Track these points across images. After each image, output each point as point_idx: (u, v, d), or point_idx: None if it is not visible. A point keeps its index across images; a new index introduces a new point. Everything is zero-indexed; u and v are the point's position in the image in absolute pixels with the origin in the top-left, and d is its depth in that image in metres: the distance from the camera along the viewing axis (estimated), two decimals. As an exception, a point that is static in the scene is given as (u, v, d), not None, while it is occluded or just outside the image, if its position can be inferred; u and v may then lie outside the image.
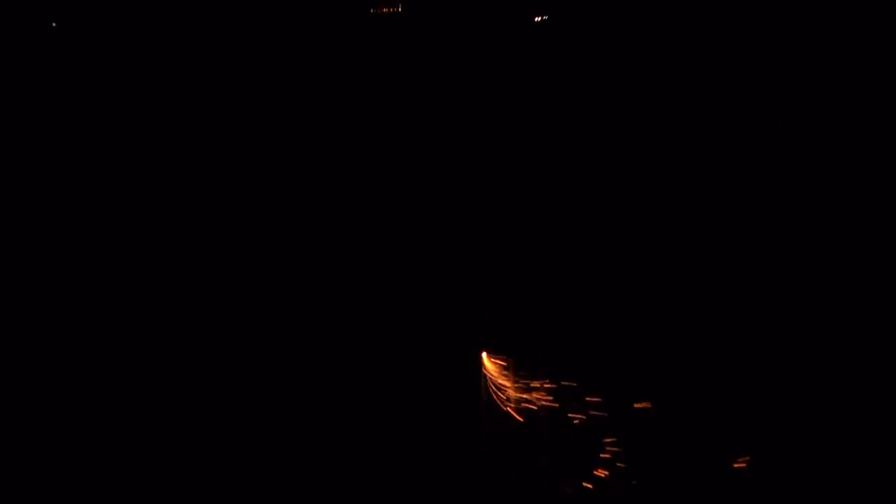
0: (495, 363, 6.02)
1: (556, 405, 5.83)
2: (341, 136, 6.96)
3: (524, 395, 5.87)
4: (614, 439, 5.70)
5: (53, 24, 7.29)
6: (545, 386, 5.88)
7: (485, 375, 6.02)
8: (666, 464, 5.68)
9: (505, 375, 5.99)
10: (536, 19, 6.54)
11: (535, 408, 5.85)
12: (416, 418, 6.01)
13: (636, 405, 5.73)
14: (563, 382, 5.85)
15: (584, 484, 5.64)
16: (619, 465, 5.66)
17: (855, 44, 6.20)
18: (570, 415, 5.79)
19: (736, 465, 5.59)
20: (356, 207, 6.79)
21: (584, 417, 5.73)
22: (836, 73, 6.21)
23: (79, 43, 7.19)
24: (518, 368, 6.02)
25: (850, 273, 6.12)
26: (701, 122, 6.38)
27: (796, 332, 6.04)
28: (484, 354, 6.05)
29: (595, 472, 5.65)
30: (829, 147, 6.19)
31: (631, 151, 6.42)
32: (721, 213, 6.30)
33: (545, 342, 6.16)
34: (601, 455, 5.70)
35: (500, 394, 5.93)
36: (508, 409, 5.87)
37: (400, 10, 6.81)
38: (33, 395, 6.49)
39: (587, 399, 5.77)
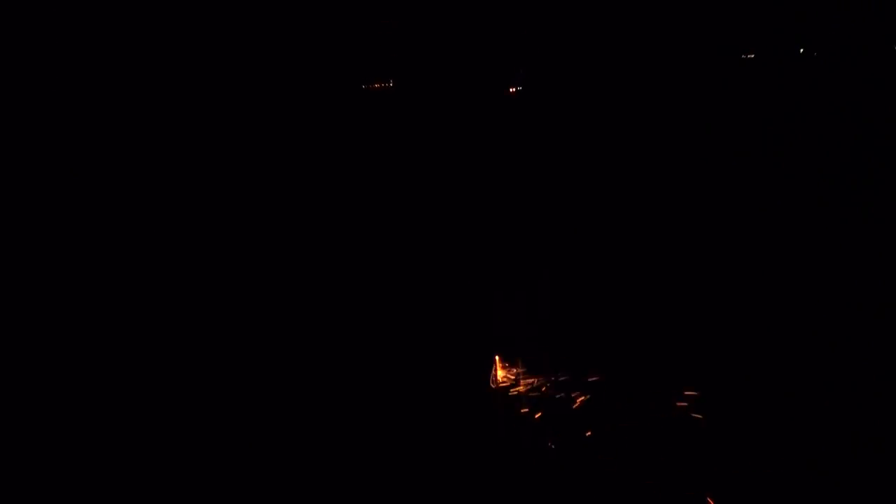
0: (507, 365, 6.46)
1: (561, 399, 6.17)
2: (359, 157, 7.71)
3: (533, 394, 6.27)
4: (619, 433, 5.91)
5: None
6: (552, 383, 6.27)
7: (497, 375, 6.45)
8: (668, 457, 5.78)
9: (515, 375, 6.40)
10: (511, 90, 7.69)
11: (543, 402, 6.20)
12: (434, 416, 6.24)
13: (639, 400, 6.00)
14: (569, 379, 6.24)
15: (589, 474, 5.76)
16: (621, 456, 5.80)
17: (854, 44, 7.10)
18: (574, 407, 6.13)
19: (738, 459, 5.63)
20: (374, 222, 7.37)
21: (589, 412, 6.06)
22: (835, 74, 7.09)
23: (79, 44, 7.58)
24: (527, 369, 6.42)
25: (850, 271, 6.54)
26: (690, 139, 7.33)
27: (796, 332, 6.36)
28: (497, 357, 6.49)
29: (598, 460, 5.80)
30: (828, 148, 7.00)
31: (630, 164, 7.29)
32: (718, 222, 6.92)
33: (552, 344, 6.55)
34: (602, 449, 5.88)
35: (511, 391, 6.32)
36: (519, 405, 6.22)
37: (391, 84, 7.79)
38: (33, 395, 6.53)
39: (592, 395, 6.16)
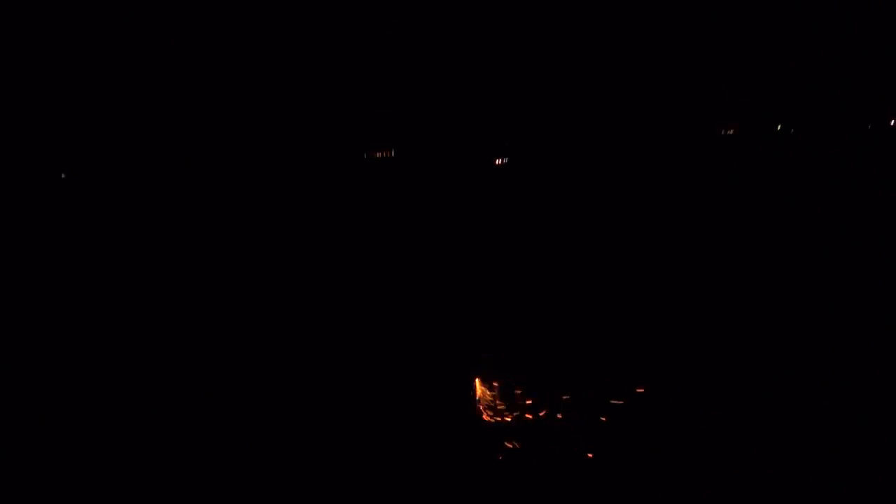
0: (486, 387, 7.01)
1: (542, 418, 6.73)
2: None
3: (514, 413, 6.82)
4: (602, 451, 6.41)
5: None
6: (534, 402, 6.82)
7: (477, 397, 6.97)
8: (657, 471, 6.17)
9: (495, 396, 6.94)
10: (497, 162, 8.63)
11: (524, 421, 6.76)
12: (417, 432, 6.69)
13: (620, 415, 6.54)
14: (550, 399, 6.79)
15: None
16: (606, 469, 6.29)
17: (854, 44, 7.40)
18: (555, 427, 6.69)
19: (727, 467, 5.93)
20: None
21: (571, 431, 6.61)
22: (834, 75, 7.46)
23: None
24: (508, 390, 6.95)
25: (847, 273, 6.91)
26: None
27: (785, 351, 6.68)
28: (477, 381, 7.05)
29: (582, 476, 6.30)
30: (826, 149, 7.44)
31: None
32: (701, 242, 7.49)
33: (532, 364, 7.05)
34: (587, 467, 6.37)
35: (491, 413, 6.83)
36: (499, 425, 6.73)
37: (393, 154, 8.73)
38: (33, 396, 6.73)
39: (573, 413, 6.71)
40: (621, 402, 6.57)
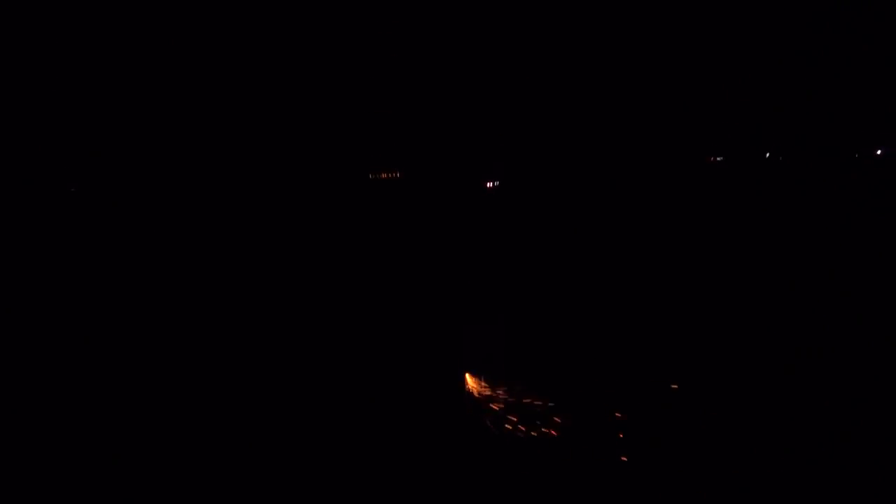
0: (476, 381, 7.48)
1: (533, 410, 6.99)
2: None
3: (501, 406, 7.17)
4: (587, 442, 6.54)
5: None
6: (517, 394, 7.18)
7: (468, 392, 7.41)
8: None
9: (484, 391, 7.40)
10: (489, 185, 9.70)
11: (511, 416, 7.02)
12: (410, 426, 6.88)
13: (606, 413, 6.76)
14: (535, 396, 7.13)
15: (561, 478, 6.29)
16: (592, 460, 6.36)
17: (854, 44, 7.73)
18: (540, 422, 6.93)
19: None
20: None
21: (556, 425, 6.83)
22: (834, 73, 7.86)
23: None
24: (495, 385, 7.38)
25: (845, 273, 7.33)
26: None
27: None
28: (467, 375, 7.53)
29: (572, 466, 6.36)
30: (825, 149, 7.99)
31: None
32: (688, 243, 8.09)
33: (519, 363, 7.51)
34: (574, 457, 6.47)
35: (480, 406, 7.24)
36: (489, 418, 7.10)
37: (398, 175, 9.83)
38: (33, 396, 6.84)
39: (557, 410, 7.00)
40: (608, 396, 7.12)
